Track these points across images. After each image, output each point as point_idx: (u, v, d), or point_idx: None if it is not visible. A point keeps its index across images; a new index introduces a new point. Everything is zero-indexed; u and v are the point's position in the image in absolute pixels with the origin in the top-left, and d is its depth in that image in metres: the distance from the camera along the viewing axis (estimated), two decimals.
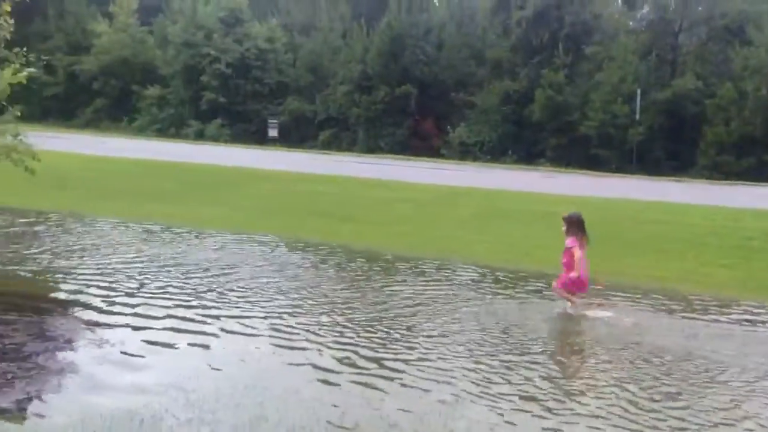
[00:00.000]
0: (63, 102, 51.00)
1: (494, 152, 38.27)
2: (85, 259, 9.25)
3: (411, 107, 41.20)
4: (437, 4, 49.39)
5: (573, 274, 7.73)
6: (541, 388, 5.42)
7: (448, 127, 40.06)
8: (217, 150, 30.53)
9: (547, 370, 5.86)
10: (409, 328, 6.82)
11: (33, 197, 13.62)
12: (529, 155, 37.50)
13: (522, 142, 38.53)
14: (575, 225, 7.97)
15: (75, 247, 9.92)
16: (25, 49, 5.54)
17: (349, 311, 7.33)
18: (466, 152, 38.47)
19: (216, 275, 8.63)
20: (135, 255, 9.58)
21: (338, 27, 47.37)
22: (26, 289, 7.68)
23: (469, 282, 9.18)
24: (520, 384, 5.48)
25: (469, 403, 5.04)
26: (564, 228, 8.03)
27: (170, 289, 7.86)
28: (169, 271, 8.73)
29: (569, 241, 7.91)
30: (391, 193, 16.52)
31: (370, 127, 41.72)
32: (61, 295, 7.48)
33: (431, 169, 26.04)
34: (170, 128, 45.59)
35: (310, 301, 7.70)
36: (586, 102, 36.57)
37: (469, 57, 42.61)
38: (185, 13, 48.20)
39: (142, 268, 8.82)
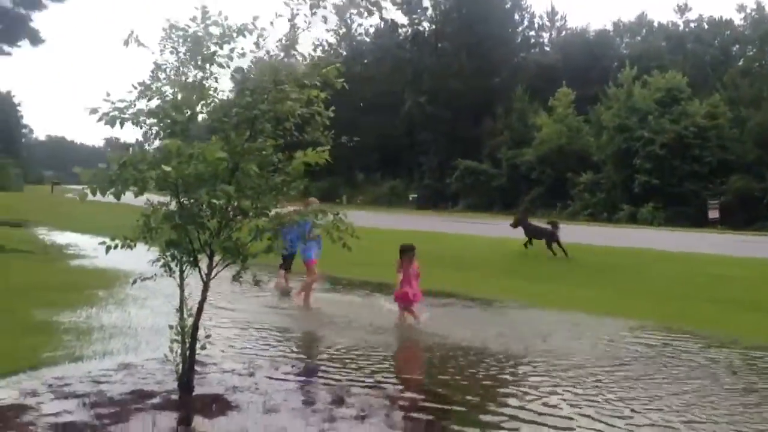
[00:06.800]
0: (505, 192, 54.98)
1: None
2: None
3: None
4: None
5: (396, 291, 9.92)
6: None
7: None
8: (642, 233, 29.02)
9: None
10: None
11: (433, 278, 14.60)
12: None
13: None
14: (407, 252, 9.89)
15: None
16: (333, 132, 5.87)
17: None
18: None
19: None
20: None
21: None
22: None
23: None
24: None
25: None
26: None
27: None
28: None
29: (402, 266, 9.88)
30: None
31: None
32: None
33: None
34: (602, 213, 45.30)
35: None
36: None
37: None
38: (620, 98, 48.11)
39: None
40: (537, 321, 10.59)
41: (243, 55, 5.76)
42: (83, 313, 10.07)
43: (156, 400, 6.10)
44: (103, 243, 5.29)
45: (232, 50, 5.53)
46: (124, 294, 11.64)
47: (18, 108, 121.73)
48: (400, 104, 68.60)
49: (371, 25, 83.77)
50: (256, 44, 5.51)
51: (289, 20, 5.46)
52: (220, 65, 5.52)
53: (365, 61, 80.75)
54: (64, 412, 5.73)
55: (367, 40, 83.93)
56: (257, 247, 5.67)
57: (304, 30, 5.46)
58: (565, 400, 6.43)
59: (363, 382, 6.98)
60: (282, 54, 5.51)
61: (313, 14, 5.35)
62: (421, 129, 67.56)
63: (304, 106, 5.74)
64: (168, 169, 4.48)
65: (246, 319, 10.14)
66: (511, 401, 6.40)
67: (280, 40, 5.48)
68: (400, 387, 6.89)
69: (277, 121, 5.71)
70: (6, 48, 22.45)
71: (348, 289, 13.51)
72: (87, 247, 18.46)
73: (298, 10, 5.36)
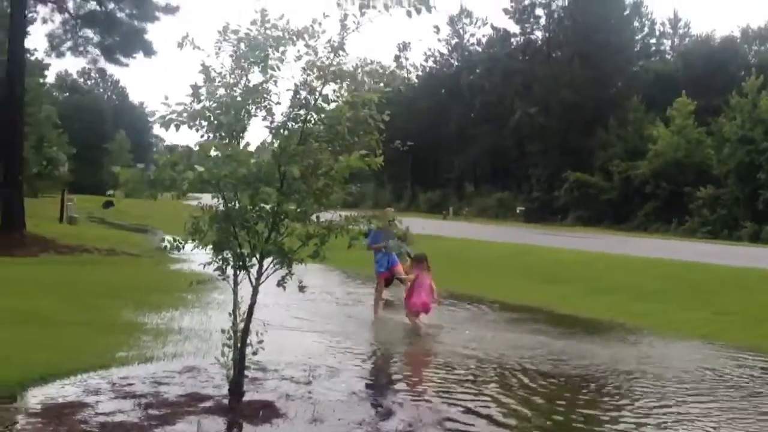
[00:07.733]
0: (617, 206, 52.80)
1: None
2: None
3: None
4: None
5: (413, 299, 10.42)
6: None
7: None
8: (759, 252, 27.00)
9: None
10: None
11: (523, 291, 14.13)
12: None
13: None
14: (417, 261, 10.70)
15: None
16: (384, 136, 5.67)
17: None
18: None
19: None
20: None
21: None
22: None
23: None
24: None
25: None
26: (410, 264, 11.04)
27: None
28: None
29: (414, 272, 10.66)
30: None
31: None
32: None
33: None
34: (722, 230, 42.58)
35: None
36: None
37: None
38: (744, 109, 45.11)
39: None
40: (631, 344, 9.98)
41: (299, 58, 5.66)
42: (166, 314, 10.34)
43: (208, 404, 6.08)
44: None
45: (283, 53, 5.45)
46: (210, 297, 11.89)
47: (150, 119, 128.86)
48: (509, 114, 67.45)
49: (483, 35, 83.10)
50: (307, 45, 5.41)
51: (340, 21, 5.32)
52: (272, 68, 5.46)
53: (477, 70, 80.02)
54: (118, 412, 5.80)
55: (479, 50, 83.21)
56: (305, 252, 5.55)
57: (353, 31, 5.30)
58: None
59: (415, 395, 6.75)
60: (331, 56, 5.37)
61: (363, 14, 5.19)
62: (530, 140, 66.12)
63: (357, 110, 5.57)
64: (201, 169, 4.44)
65: (321, 329, 10.13)
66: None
67: (330, 41, 5.35)
68: (450, 402, 6.56)
69: (329, 125, 5.57)
70: (123, 60, 23.92)
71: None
72: (188, 251, 19.11)
73: (347, 10, 5.21)
